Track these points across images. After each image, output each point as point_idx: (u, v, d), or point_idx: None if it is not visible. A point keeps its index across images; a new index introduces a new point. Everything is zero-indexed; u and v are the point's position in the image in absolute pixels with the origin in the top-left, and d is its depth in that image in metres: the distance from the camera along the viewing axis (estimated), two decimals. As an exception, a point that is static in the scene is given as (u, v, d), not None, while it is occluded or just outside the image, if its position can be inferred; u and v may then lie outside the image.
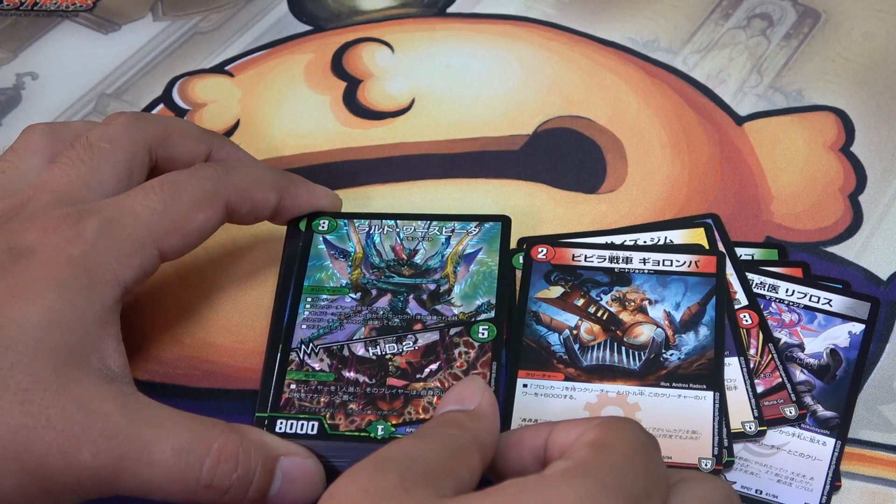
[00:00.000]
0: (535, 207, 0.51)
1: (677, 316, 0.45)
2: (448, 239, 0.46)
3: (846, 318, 0.46)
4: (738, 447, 0.43)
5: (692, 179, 0.53)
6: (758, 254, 0.49)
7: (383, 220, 0.47)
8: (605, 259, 0.47)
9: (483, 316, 0.44)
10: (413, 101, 0.57)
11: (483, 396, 0.37)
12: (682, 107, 0.56)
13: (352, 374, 0.42)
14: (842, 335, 0.46)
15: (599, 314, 0.46)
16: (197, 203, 0.42)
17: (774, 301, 0.47)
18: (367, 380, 0.42)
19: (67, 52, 0.60)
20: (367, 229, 0.47)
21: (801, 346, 0.46)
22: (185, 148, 0.46)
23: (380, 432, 0.41)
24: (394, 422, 0.41)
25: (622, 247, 0.48)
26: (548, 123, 0.56)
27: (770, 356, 0.45)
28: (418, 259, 0.46)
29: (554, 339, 0.45)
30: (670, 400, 0.43)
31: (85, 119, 0.56)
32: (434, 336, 0.43)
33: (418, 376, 0.42)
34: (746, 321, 0.45)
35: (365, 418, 0.41)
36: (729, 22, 0.61)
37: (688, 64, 0.58)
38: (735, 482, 0.42)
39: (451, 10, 0.62)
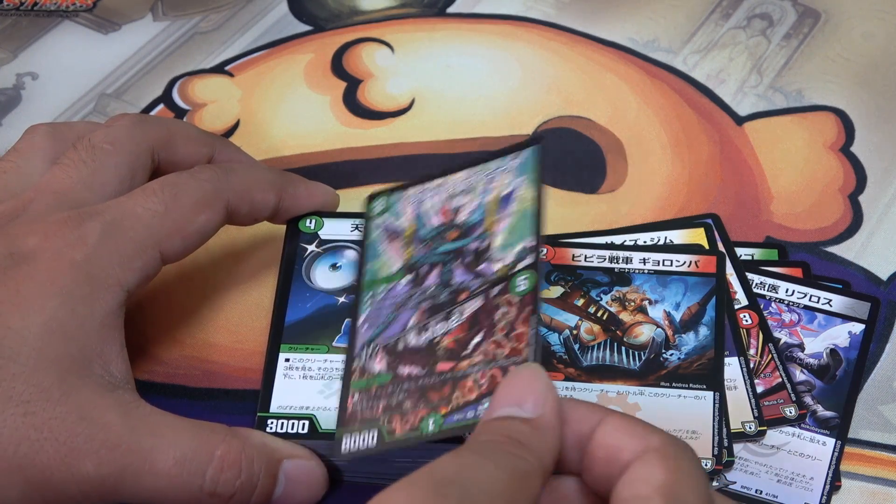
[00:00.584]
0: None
1: (677, 316, 0.45)
2: (490, 183, 0.40)
3: (846, 318, 0.46)
4: (738, 447, 0.43)
5: (692, 179, 0.53)
6: (758, 254, 0.49)
7: (434, 181, 0.41)
8: (605, 259, 0.47)
9: (522, 264, 0.37)
10: (413, 101, 0.57)
11: (548, 401, 0.32)
12: (682, 107, 0.56)
13: (405, 369, 0.38)
14: (842, 335, 0.46)
15: (599, 314, 0.46)
16: (198, 205, 0.42)
17: (774, 301, 0.47)
18: (419, 371, 0.38)
19: (67, 52, 0.60)
20: (419, 193, 0.41)
21: (801, 346, 0.46)
22: (188, 150, 0.46)
23: (430, 427, 0.36)
24: (443, 412, 0.36)
25: (622, 247, 0.48)
26: (548, 123, 0.56)
27: (770, 356, 0.45)
28: (462, 217, 0.40)
29: (554, 338, 0.45)
30: (670, 400, 0.43)
31: (87, 120, 0.56)
32: (478, 302, 0.38)
33: (464, 353, 0.37)
34: (746, 321, 0.45)
35: (418, 415, 0.37)
36: (729, 22, 0.61)
37: (688, 64, 0.58)
38: (735, 482, 0.42)
39: (451, 10, 0.62)
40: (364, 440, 0.37)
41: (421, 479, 0.29)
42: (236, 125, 0.56)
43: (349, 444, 0.38)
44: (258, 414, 0.41)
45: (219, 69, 0.59)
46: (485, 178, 0.40)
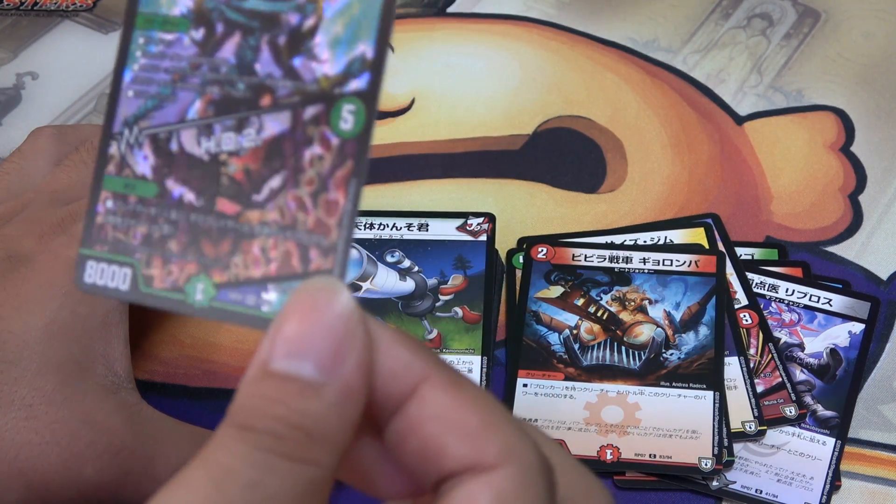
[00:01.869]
0: (535, 207, 0.51)
1: (677, 315, 0.45)
2: None
3: (846, 317, 0.46)
4: (738, 447, 0.43)
5: (692, 179, 0.53)
6: (758, 254, 0.49)
7: None
8: (605, 259, 0.47)
9: (353, 84, 0.25)
10: (413, 101, 0.57)
11: (352, 352, 0.22)
12: (682, 106, 0.56)
13: (176, 187, 0.26)
14: (842, 335, 0.46)
15: (599, 314, 0.46)
16: None
17: (774, 301, 0.47)
18: (192, 198, 0.26)
19: (67, 52, 0.60)
20: None
21: (801, 346, 0.46)
22: None
23: (198, 297, 0.26)
24: (217, 278, 0.25)
25: (622, 246, 0.48)
26: (548, 123, 0.56)
27: (770, 356, 0.45)
28: None
29: (554, 338, 0.45)
30: (670, 400, 0.43)
31: (92, 123, 0.56)
32: (283, 121, 0.25)
33: (255, 197, 0.25)
34: (746, 321, 0.45)
35: (185, 269, 0.26)
36: (729, 22, 0.61)
37: (688, 64, 0.58)
38: (735, 482, 0.42)
39: (451, 10, 0.62)
40: (113, 277, 0.27)
41: (197, 477, 0.22)
42: (236, 125, 0.56)
43: (95, 274, 0.27)
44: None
45: (219, 69, 0.59)
46: None
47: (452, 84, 0.58)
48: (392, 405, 0.23)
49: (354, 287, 0.45)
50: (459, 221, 0.47)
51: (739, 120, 0.56)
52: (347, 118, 0.25)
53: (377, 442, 0.24)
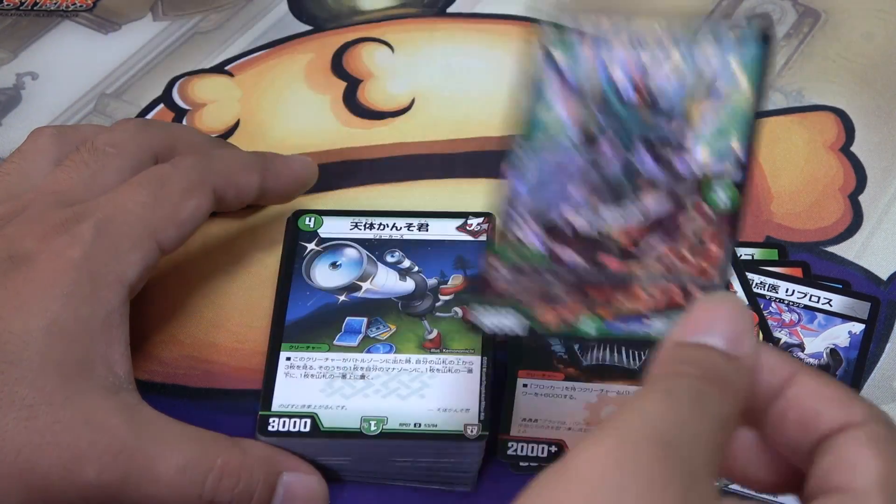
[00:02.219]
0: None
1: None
2: (692, 54, 0.34)
3: (846, 317, 0.46)
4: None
5: (692, 179, 0.53)
6: (758, 254, 0.49)
7: (620, 25, 0.35)
8: None
9: (726, 174, 0.33)
10: (413, 101, 0.57)
11: (747, 337, 0.28)
12: (682, 107, 0.56)
13: (565, 253, 0.33)
14: (842, 335, 0.46)
15: None
16: (185, 191, 0.42)
17: (774, 301, 0.47)
18: (580, 261, 0.33)
19: (67, 52, 0.60)
20: (599, 45, 0.35)
21: (801, 346, 0.46)
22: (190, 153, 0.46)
23: (589, 329, 0.32)
24: (603, 315, 0.32)
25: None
26: (548, 123, 0.56)
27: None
28: (651, 86, 0.34)
29: (554, 339, 0.45)
30: None
31: (93, 123, 0.56)
32: (664, 202, 0.33)
33: (639, 256, 0.33)
34: (747, 321, 0.45)
35: (573, 310, 0.32)
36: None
37: (688, 64, 0.58)
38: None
39: (451, 10, 0.62)
40: (507, 320, 0.32)
41: (633, 432, 0.25)
42: (236, 125, 0.56)
43: (491, 319, 0.33)
44: (260, 413, 0.41)
45: (219, 69, 0.59)
46: (688, 48, 0.34)
47: (452, 84, 0.58)
48: (773, 390, 0.28)
49: (354, 287, 0.45)
50: (459, 221, 0.47)
51: (739, 120, 0.56)
52: (723, 198, 0.32)
53: (754, 434, 0.29)
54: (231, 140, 0.55)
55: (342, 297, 0.45)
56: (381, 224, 0.47)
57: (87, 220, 0.40)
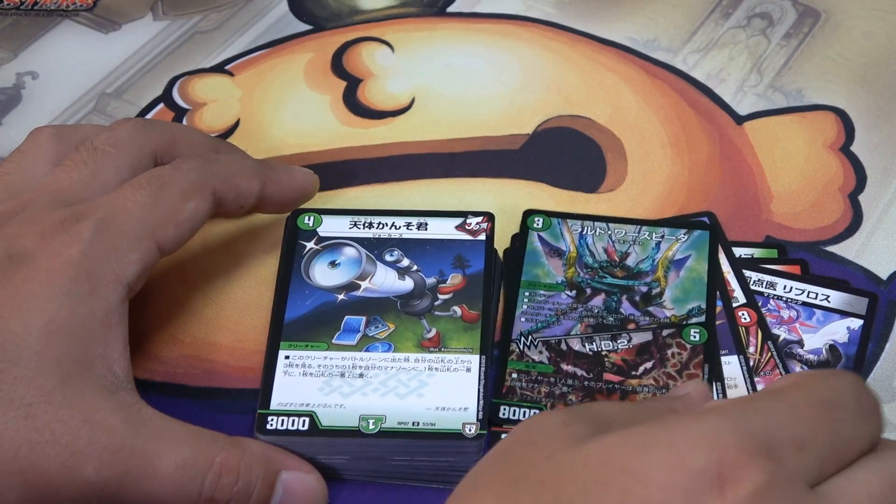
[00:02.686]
0: (535, 207, 0.51)
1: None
2: (658, 244, 0.48)
3: (844, 313, 0.46)
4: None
5: (692, 179, 0.53)
6: (757, 253, 0.49)
7: (595, 223, 0.48)
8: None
9: (694, 319, 0.45)
10: (413, 101, 0.57)
11: (695, 387, 0.37)
12: (682, 106, 0.56)
13: (570, 368, 0.44)
14: (840, 331, 0.46)
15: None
16: (185, 192, 0.42)
17: (773, 298, 0.47)
18: (584, 374, 0.44)
19: (67, 52, 0.60)
20: (580, 230, 0.48)
21: (800, 343, 0.46)
22: (191, 155, 0.46)
23: None
24: None
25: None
26: (548, 123, 0.56)
27: (769, 354, 0.45)
28: (630, 262, 0.47)
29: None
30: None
31: (93, 123, 0.56)
32: (647, 336, 0.45)
33: (633, 373, 0.43)
34: (745, 319, 0.45)
35: None
36: (729, 21, 0.61)
37: (688, 63, 0.58)
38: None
39: (451, 9, 0.62)
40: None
41: (579, 410, 0.34)
42: (236, 125, 0.56)
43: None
44: (258, 411, 0.41)
45: (219, 69, 0.59)
46: (656, 237, 0.48)
47: (452, 84, 0.58)
48: None
49: (353, 286, 0.45)
50: (458, 220, 0.47)
51: (739, 120, 0.56)
52: (695, 335, 0.45)
53: None
54: (231, 140, 0.55)
55: (341, 296, 0.45)
56: (380, 223, 0.47)
57: (87, 219, 0.40)
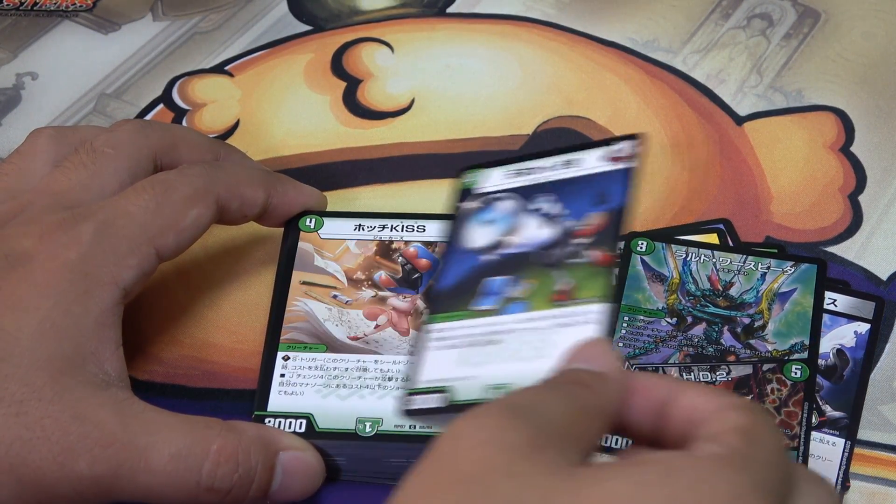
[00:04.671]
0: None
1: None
2: (764, 275, 0.46)
3: (851, 317, 0.46)
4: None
5: (692, 179, 0.53)
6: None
7: (700, 249, 0.47)
8: None
9: (796, 356, 0.44)
10: (413, 101, 0.57)
11: (612, 361, 0.33)
12: (682, 107, 0.56)
13: None
14: (848, 335, 0.46)
15: None
16: (189, 199, 0.42)
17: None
18: None
19: (67, 52, 0.60)
20: (685, 256, 0.47)
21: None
22: (191, 156, 0.46)
23: None
24: None
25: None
26: (548, 123, 0.56)
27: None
28: (733, 291, 0.46)
29: None
30: None
31: (92, 124, 0.56)
32: (747, 369, 0.44)
33: None
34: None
35: None
36: (729, 22, 0.61)
37: (688, 64, 0.58)
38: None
39: (451, 10, 0.62)
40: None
41: (493, 407, 0.30)
42: (236, 125, 0.56)
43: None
44: (255, 413, 0.42)
45: (219, 69, 0.59)
46: (762, 268, 0.46)
47: (452, 84, 0.58)
48: (657, 405, 0.32)
49: (500, 244, 0.42)
50: (602, 150, 0.43)
51: (739, 120, 0.56)
52: (796, 371, 0.44)
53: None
54: (231, 140, 0.55)
55: (488, 257, 0.42)
56: (530, 168, 0.44)
57: (87, 221, 0.40)
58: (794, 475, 0.30)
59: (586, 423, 0.31)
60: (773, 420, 0.33)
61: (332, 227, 0.47)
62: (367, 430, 0.41)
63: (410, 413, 0.38)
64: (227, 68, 0.59)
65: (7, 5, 0.63)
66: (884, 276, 0.49)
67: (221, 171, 0.44)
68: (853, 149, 0.54)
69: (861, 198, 0.52)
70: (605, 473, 0.28)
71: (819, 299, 0.46)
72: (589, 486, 0.27)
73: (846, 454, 0.43)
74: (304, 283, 0.46)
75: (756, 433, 0.30)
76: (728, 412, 0.31)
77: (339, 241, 0.47)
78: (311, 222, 0.47)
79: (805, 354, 0.44)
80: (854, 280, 0.48)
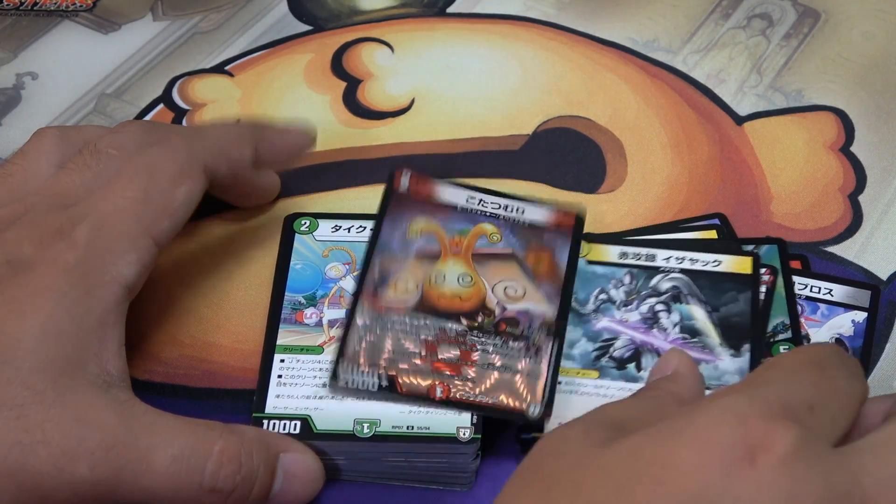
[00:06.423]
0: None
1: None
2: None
3: (848, 306, 0.46)
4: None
5: (692, 179, 0.53)
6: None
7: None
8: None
9: (781, 336, 0.45)
10: (413, 101, 0.57)
11: (678, 362, 0.39)
12: (682, 107, 0.56)
13: None
14: (846, 324, 0.46)
15: None
16: (176, 178, 0.42)
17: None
18: None
19: (67, 52, 0.60)
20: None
21: (806, 338, 0.46)
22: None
23: None
24: None
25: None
26: (548, 123, 0.56)
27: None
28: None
29: None
30: None
31: (92, 123, 0.56)
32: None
33: None
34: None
35: None
36: (729, 22, 0.61)
37: (688, 64, 0.58)
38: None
39: (451, 10, 0.62)
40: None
41: (595, 416, 0.35)
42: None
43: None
44: (253, 414, 0.42)
45: (219, 69, 0.59)
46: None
47: (452, 84, 0.58)
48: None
49: None
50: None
51: (739, 120, 0.56)
52: (785, 351, 0.44)
53: None
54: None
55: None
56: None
57: (82, 223, 0.40)
58: (839, 391, 0.34)
59: (656, 413, 0.34)
60: (820, 347, 0.36)
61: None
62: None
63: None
64: (227, 68, 0.59)
65: (7, 5, 0.63)
66: (884, 275, 0.49)
67: (204, 137, 0.44)
68: (853, 149, 0.54)
69: (861, 198, 0.52)
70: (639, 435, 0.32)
71: (788, 276, 0.46)
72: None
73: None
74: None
75: (774, 360, 0.35)
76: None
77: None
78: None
79: (789, 334, 0.44)
80: (854, 280, 0.48)
